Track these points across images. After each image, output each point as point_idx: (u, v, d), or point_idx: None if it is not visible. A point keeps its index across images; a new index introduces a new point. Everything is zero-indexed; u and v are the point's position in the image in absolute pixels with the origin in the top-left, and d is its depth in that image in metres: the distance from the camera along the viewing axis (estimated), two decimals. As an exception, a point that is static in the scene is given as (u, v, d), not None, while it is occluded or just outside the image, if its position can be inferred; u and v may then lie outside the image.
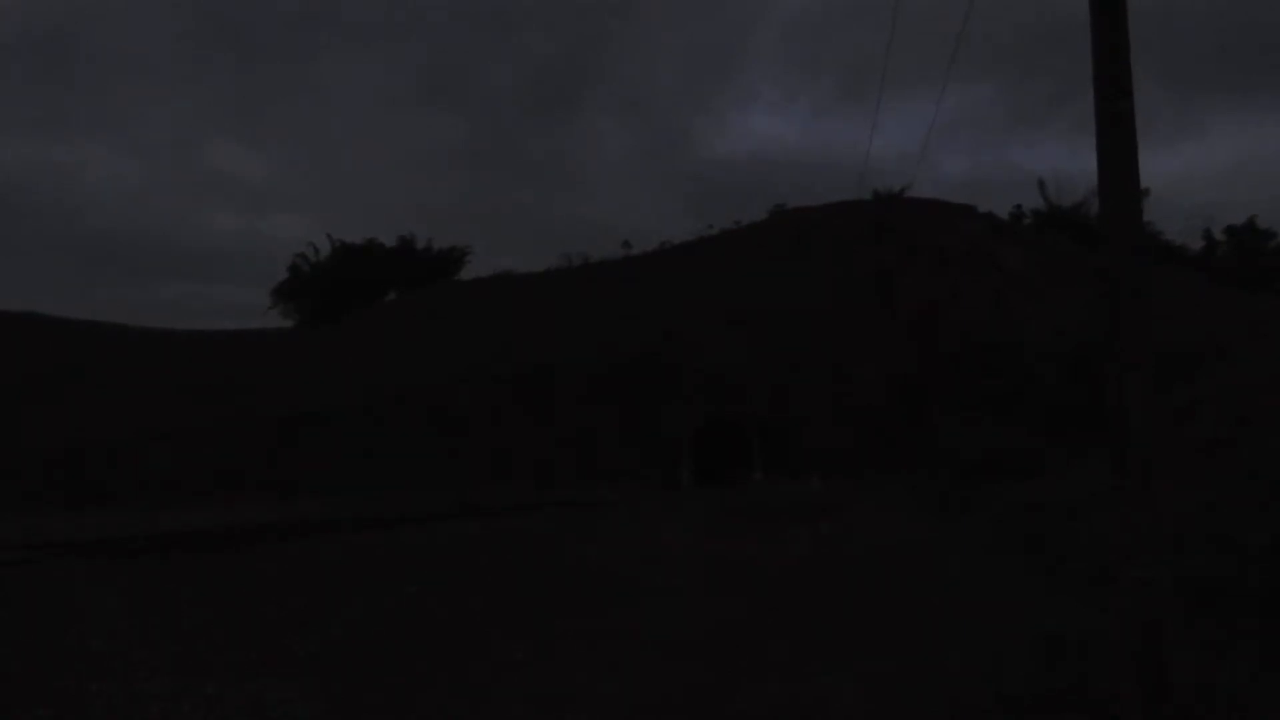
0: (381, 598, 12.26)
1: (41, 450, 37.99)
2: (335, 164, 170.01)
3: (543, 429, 40.42)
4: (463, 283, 68.16)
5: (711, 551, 16.07)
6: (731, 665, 7.99)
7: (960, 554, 14.14)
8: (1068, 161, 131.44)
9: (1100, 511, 12.65)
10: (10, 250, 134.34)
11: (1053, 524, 14.37)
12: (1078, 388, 30.41)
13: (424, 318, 53.64)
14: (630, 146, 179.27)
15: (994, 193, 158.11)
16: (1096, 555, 10.57)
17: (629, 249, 64.67)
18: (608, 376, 41.56)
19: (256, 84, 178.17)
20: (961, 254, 46.52)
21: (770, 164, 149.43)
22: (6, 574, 15.72)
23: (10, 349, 47.70)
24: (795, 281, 45.76)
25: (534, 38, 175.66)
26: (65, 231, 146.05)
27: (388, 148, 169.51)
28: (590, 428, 40.38)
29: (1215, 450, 14.02)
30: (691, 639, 9.09)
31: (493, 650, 8.91)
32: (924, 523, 19.05)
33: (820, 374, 40.24)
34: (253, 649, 9.11)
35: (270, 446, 39.63)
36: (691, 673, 7.80)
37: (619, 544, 17.74)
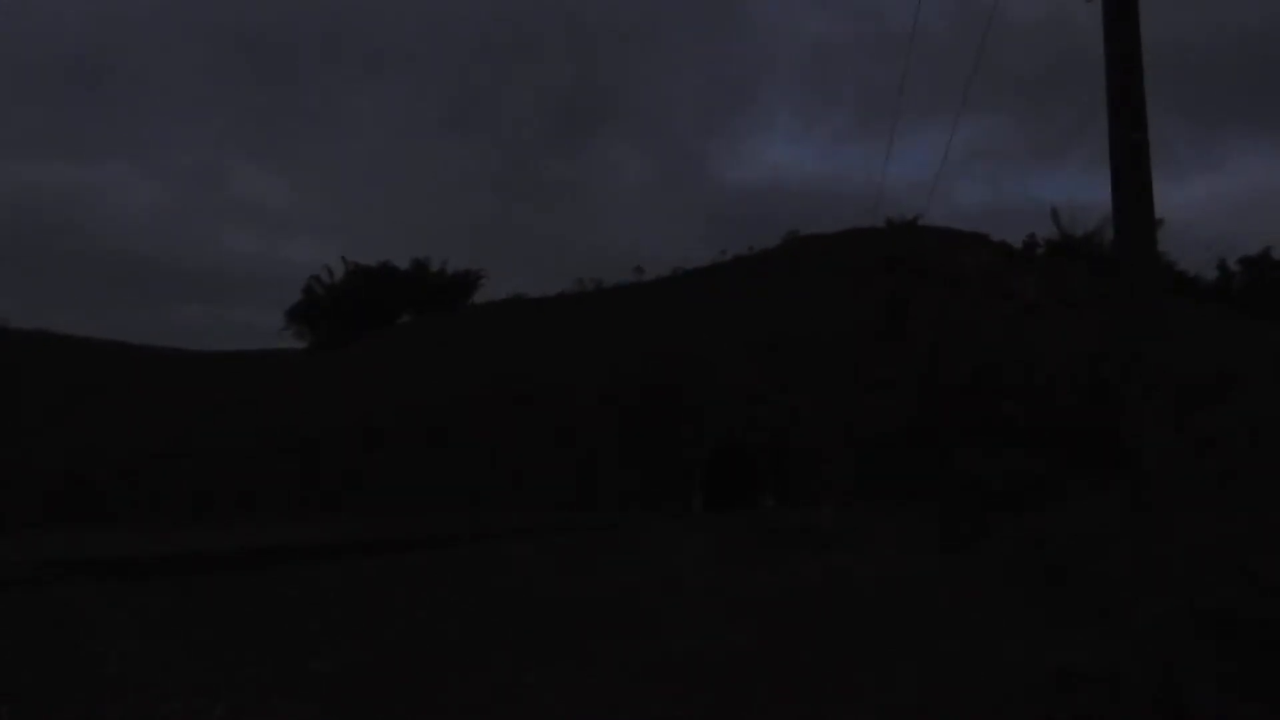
0: (395, 620, 12.28)
1: (57, 469, 38.22)
2: (354, 188, 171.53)
3: (553, 453, 40.42)
4: (476, 306, 68.46)
5: (722, 579, 16.00)
6: (742, 693, 7.96)
7: (973, 585, 14.06)
8: (1084, 193, 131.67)
9: (1116, 543, 12.57)
10: (30, 269, 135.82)
11: (1068, 555, 14.27)
12: (1092, 417, 30.27)
13: (437, 340, 53.85)
14: (646, 172, 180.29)
15: (1010, 223, 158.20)
16: (1112, 588, 10.50)
17: (642, 274, 64.81)
18: (619, 401, 41.57)
19: (278, 109, 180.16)
20: (974, 282, 46.54)
21: (785, 191, 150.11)
22: (21, 593, 15.79)
23: (26, 367, 48.07)
24: (808, 308, 45.82)
25: (552, 65, 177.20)
26: (85, 252, 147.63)
27: (406, 173, 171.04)
28: (601, 453, 40.35)
29: (1231, 482, 13.94)
30: (702, 667, 9.06)
31: (504, 674, 8.90)
32: (937, 553, 18.93)
33: (833, 401, 40.17)
34: (268, 670, 9.13)
35: (283, 468, 39.77)
36: (703, 700, 7.77)
37: (628, 570, 17.69)
